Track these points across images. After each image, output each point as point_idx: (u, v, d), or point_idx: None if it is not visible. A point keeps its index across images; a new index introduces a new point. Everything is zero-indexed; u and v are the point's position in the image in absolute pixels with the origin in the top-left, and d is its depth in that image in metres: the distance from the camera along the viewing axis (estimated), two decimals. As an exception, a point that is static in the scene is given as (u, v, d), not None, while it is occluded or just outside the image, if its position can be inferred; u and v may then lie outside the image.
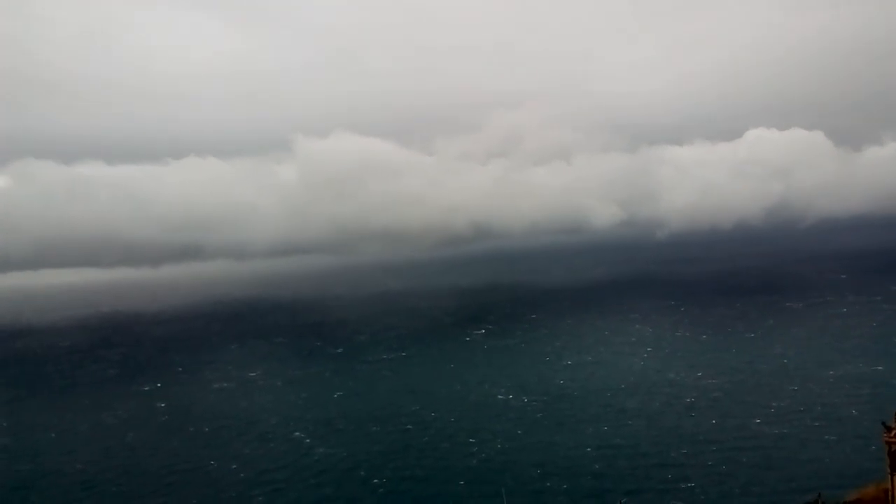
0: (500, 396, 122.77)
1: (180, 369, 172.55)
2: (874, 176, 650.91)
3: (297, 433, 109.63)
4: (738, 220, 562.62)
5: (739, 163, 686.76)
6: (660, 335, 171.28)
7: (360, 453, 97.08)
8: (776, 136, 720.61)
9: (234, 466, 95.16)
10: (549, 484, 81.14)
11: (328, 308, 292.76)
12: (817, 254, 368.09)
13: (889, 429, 51.01)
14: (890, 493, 47.05)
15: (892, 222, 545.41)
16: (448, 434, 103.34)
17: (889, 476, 47.31)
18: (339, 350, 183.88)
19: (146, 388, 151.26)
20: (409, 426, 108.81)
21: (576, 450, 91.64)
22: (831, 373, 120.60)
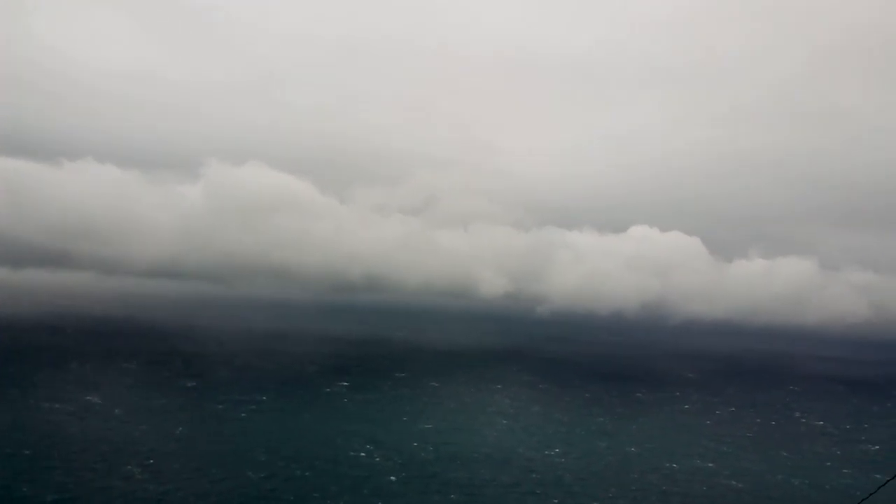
0: (351, 453, 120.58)
1: (6, 382, 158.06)
2: (739, 286, 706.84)
3: (129, 466, 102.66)
4: (616, 309, 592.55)
5: (624, 255, 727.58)
6: (518, 409, 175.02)
7: (194, 497, 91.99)
8: (658, 235, 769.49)
9: (51, 498, 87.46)
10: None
11: (191, 339, 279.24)
12: (676, 351, 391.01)
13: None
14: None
15: (745, 331, 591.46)
16: (293, 486, 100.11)
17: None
18: (192, 384, 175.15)
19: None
20: (251, 473, 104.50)
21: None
22: (667, 465, 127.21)
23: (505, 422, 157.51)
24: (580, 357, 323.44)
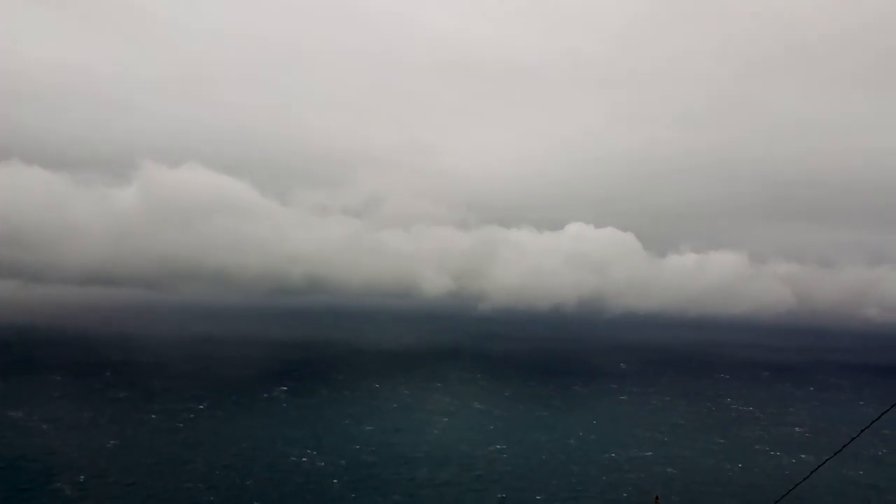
0: (292, 458, 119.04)
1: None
2: (672, 279, 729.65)
3: (59, 483, 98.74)
4: (555, 304, 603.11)
5: (562, 252, 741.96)
6: (459, 406, 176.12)
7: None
8: (594, 232, 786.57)
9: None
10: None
11: (123, 347, 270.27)
12: (612, 344, 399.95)
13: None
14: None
15: (678, 322, 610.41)
16: (232, 495, 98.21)
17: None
18: (124, 394, 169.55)
19: None
20: (189, 484, 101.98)
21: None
22: (605, 456, 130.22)
23: (446, 419, 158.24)
24: (520, 353, 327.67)
